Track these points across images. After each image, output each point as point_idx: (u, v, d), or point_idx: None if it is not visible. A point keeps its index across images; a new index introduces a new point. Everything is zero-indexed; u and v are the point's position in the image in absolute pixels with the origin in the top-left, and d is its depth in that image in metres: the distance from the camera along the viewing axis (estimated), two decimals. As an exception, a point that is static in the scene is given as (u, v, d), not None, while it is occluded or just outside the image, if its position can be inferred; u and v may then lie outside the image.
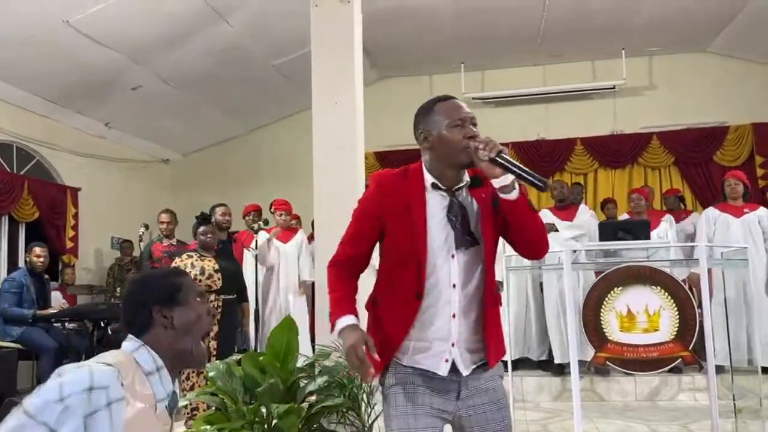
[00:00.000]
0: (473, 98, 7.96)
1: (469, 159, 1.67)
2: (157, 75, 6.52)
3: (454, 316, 1.71)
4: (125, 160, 8.03)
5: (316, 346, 3.39)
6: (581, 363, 3.96)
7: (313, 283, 4.97)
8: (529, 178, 1.60)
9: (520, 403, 5.23)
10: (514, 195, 1.64)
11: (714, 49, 7.57)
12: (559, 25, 6.73)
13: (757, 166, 7.47)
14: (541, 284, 5.73)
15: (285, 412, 2.82)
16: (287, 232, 5.91)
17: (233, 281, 4.59)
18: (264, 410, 2.85)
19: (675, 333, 3.06)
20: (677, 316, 3.05)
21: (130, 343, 1.43)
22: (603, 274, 3.27)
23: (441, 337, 1.72)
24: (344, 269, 1.85)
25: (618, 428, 4.41)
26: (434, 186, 1.73)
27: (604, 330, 3.11)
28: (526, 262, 4.71)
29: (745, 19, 6.54)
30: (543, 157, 7.94)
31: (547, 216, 5.69)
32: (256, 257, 5.21)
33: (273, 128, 8.56)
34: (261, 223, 5.31)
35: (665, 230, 5.67)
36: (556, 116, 7.97)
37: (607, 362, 3.15)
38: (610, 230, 3.83)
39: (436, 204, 1.73)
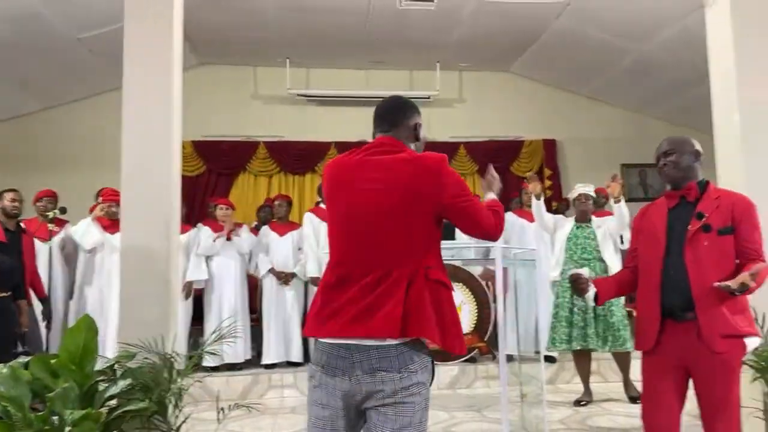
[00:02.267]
0: (298, 95, 7.97)
1: None
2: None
3: None
4: None
5: (119, 346, 3.14)
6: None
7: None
8: None
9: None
10: None
11: (515, 70, 8.40)
12: (381, 33, 6.98)
13: (545, 177, 8.44)
14: None
15: (80, 419, 2.57)
16: (115, 222, 5.44)
17: (6, 277, 4.05)
18: (56, 418, 2.59)
19: (474, 325, 3.33)
20: (476, 310, 3.31)
21: None
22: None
23: None
24: None
25: (421, 416, 4.69)
26: None
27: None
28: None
29: (540, 45, 7.35)
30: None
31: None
32: (50, 249, 4.70)
33: (76, 107, 7.70)
34: (57, 210, 4.80)
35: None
36: (376, 119, 8.26)
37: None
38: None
39: None
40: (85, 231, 5.26)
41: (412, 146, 1.95)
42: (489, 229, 1.90)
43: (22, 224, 4.71)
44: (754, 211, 2.37)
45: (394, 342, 1.73)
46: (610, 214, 4.97)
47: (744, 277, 2.15)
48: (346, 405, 1.77)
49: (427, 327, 1.73)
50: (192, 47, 7.24)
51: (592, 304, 2.55)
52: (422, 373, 1.77)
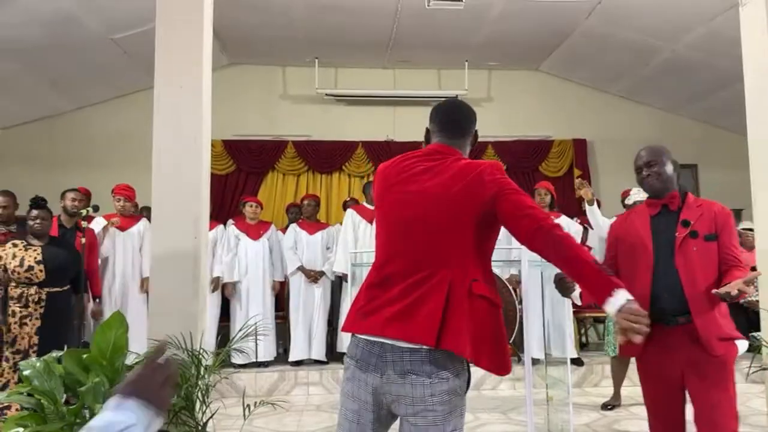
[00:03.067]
0: (326, 95, 8.01)
1: None
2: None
3: None
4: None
5: (148, 342, 3.21)
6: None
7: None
8: None
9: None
10: None
11: (544, 69, 8.32)
12: (409, 33, 6.98)
13: (575, 178, 8.33)
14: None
15: (110, 413, 2.63)
16: (128, 219, 5.56)
17: (63, 272, 4.20)
18: (87, 411, 2.65)
19: (499, 328, 3.31)
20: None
21: None
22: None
23: None
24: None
25: (446, 417, 4.69)
26: None
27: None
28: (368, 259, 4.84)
29: (570, 44, 7.27)
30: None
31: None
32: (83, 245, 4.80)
33: (108, 106, 7.85)
34: (91, 209, 4.91)
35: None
36: (404, 119, 8.26)
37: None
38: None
39: None
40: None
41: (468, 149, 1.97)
42: (538, 214, 1.74)
43: (85, 222, 4.73)
44: (732, 219, 2.48)
45: (427, 347, 1.70)
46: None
47: (739, 284, 2.17)
48: (375, 401, 1.76)
49: (460, 342, 1.68)
50: (222, 47, 7.34)
51: (578, 302, 2.54)
52: (454, 380, 1.72)
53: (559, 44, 7.37)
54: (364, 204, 6.20)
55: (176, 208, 3.27)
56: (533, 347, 4.61)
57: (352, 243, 5.86)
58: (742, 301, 2.38)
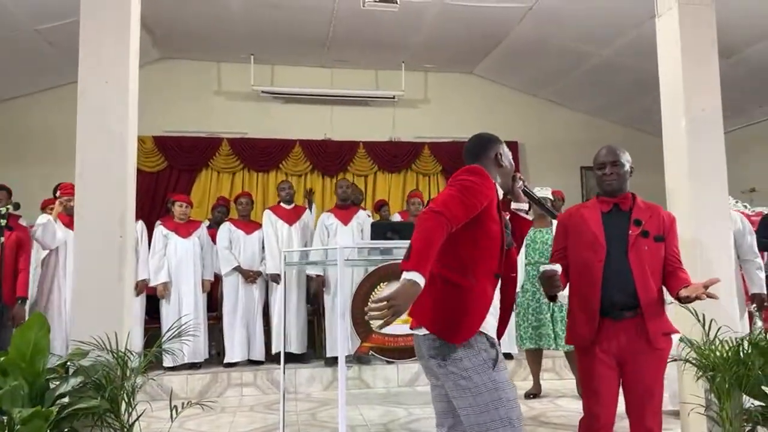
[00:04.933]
0: (262, 92, 7.93)
1: (511, 185, 2.33)
2: None
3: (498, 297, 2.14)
4: None
5: (70, 344, 3.10)
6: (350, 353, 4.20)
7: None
8: (545, 206, 2.62)
9: (292, 394, 5.36)
10: (529, 216, 2.38)
11: (479, 72, 8.51)
12: (346, 32, 7.00)
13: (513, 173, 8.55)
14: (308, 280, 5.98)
15: (29, 417, 2.54)
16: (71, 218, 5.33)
17: None
18: (5, 417, 2.55)
19: (430, 324, 3.38)
20: (432, 309, 3.36)
21: None
22: (371, 270, 3.51)
23: (493, 312, 2.10)
24: (447, 227, 1.92)
25: (379, 413, 4.75)
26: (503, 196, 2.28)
27: (370, 322, 3.33)
28: (301, 258, 4.84)
29: (503, 49, 7.46)
30: (328, 157, 8.19)
31: (330, 218, 5.98)
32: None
33: (32, 99, 7.50)
34: (11, 206, 4.68)
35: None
36: (341, 118, 8.28)
37: (371, 352, 3.38)
38: (381, 230, 4.10)
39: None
40: (44, 229, 5.10)
41: (497, 173, 2.26)
42: (429, 207, 1.98)
43: (3, 221, 4.48)
44: (676, 224, 2.65)
45: (422, 332, 2.07)
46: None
47: (700, 288, 2.36)
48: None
49: (423, 317, 2.05)
50: (154, 41, 7.15)
51: (565, 302, 2.68)
52: (457, 366, 1.99)
53: (492, 48, 7.55)
54: (281, 204, 6.18)
55: (101, 206, 3.18)
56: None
57: (275, 244, 5.86)
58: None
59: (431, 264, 1.85)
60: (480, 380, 1.96)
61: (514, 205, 2.37)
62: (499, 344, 2.16)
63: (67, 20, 5.64)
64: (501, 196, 2.25)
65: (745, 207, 5.51)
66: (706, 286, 2.35)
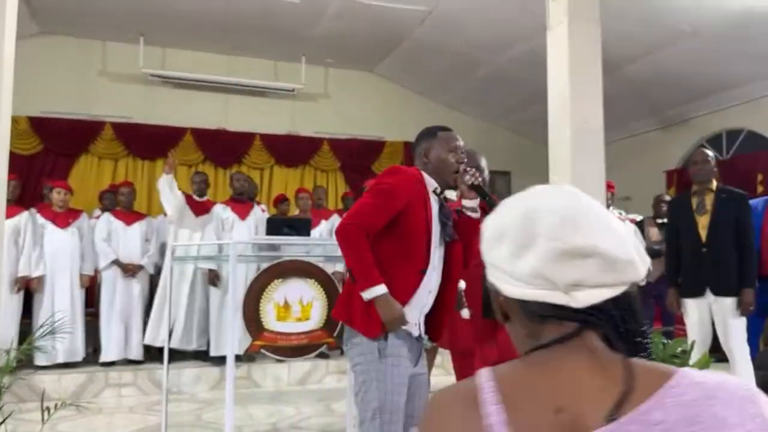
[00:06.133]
0: (151, 75, 7.52)
1: (454, 180, 2.26)
2: None
3: (430, 292, 2.20)
4: None
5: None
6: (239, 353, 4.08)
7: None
8: (494, 204, 2.21)
9: (175, 395, 5.14)
10: (476, 215, 2.24)
11: (379, 72, 8.58)
12: (244, 18, 6.78)
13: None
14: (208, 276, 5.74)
15: None
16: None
17: None
18: None
19: (324, 321, 3.37)
20: (327, 306, 3.36)
21: None
22: (265, 267, 3.43)
23: (419, 306, 2.18)
24: (363, 232, 2.06)
25: (269, 412, 4.67)
26: (434, 191, 2.26)
27: (262, 320, 3.26)
28: (192, 252, 4.66)
29: (403, 50, 7.58)
30: (223, 148, 7.93)
31: (226, 211, 5.81)
32: None
33: None
34: None
35: (327, 229, 6.21)
36: (237, 108, 8.04)
37: (262, 350, 3.31)
38: (276, 226, 4.02)
39: (434, 204, 2.23)
40: None
41: (422, 168, 2.30)
42: (342, 220, 2.17)
43: None
44: None
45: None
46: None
47: None
48: None
49: (338, 307, 2.27)
50: (32, 14, 6.57)
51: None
52: (353, 351, 2.15)
53: (393, 49, 7.64)
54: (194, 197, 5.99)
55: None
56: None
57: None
58: None
59: (375, 268, 2.04)
60: (365, 368, 2.10)
61: (463, 202, 2.28)
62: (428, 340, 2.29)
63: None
64: (439, 191, 2.28)
65: (620, 214, 5.95)
66: None
